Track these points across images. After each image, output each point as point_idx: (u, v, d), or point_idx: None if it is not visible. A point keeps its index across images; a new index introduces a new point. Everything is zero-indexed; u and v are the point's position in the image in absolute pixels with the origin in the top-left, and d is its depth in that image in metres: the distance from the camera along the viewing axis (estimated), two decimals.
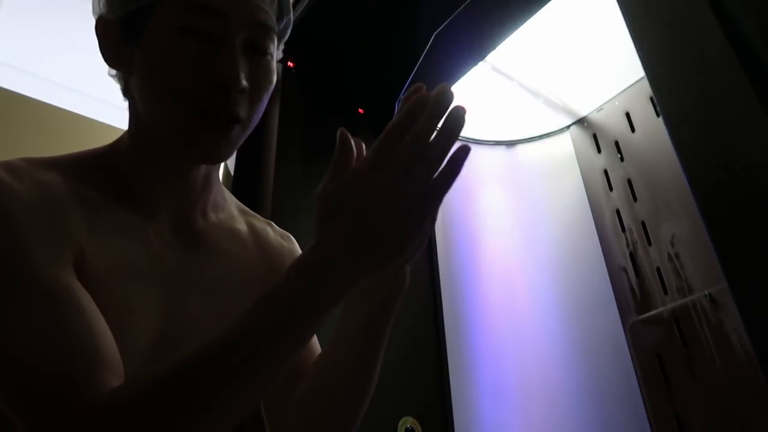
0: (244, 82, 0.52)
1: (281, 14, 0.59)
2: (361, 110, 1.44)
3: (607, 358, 1.33)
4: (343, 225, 0.42)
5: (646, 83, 1.20)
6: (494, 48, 1.38)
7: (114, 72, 0.59)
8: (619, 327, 1.34)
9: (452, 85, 1.48)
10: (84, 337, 0.42)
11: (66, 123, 2.77)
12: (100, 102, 2.87)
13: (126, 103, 0.61)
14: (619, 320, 1.35)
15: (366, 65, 1.37)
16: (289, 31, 0.63)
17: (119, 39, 0.55)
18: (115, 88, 0.64)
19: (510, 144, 1.74)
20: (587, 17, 1.46)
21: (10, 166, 0.49)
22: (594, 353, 1.35)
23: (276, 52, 0.59)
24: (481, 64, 1.47)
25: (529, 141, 1.72)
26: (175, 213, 0.58)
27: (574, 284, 1.46)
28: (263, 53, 0.55)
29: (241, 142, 0.57)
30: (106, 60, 0.57)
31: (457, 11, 1.19)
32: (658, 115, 1.39)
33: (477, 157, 1.72)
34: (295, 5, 1.30)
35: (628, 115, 1.49)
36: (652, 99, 1.42)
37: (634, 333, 1.30)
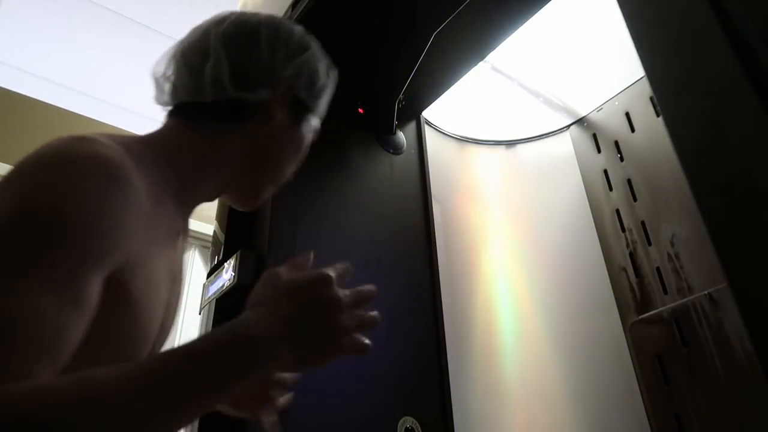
0: None
1: None
2: (361, 110, 1.44)
3: (607, 358, 1.33)
4: (287, 314, 0.48)
5: (646, 83, 1.20)
6: (494, 48, 1.38)
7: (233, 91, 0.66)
8: (619, 327, 1.34)
9: (452, 85, 1.48)
10: (50, 329, 0.41)
11: (66, 123, 2.77)
12: (100, 102, 2.87)
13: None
14: (619, 320, 1.35)
15: (365, 65, 1.37)
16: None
17: (289, 99, 0.68)
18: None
19: (510, 144, 1.74)
20: (587, 17, 1.46)
21: (120, 152, 0.51)
22: (594, 353, 1.35)
23: None
24: (481, 64, 1.47)
25: (529, 141, 1.72)
26: (188, 215, 0.66)
27: (574, 284, 1.46)
28: None
29: None
30: (274, 105, 0.68)
31: (457, 11, 1.19)
32: (658, 115, 1.39)
33: (477, 157, 1.72)
34: (295, 5, 1.30)
35: (628, 115, 1.49)
36: (652, 99, 1.42)
37: (634, 333, 1.30)
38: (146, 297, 0.51)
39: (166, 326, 0.59)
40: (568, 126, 1.67)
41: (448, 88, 1.49)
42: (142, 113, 2.96)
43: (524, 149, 1.72)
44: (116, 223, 0.46)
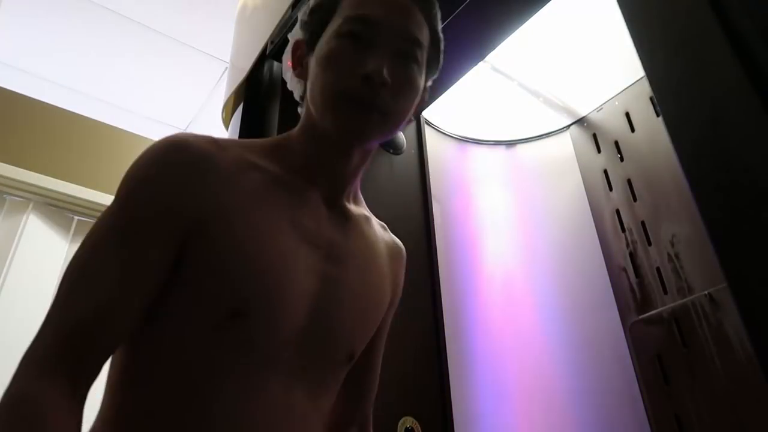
0: (386, 77, 0.62)
1: (433, 41, 0.73)
2: None
3: (607, 358, 1.33)
4: None
5: (646, 83, 1.20)
6: (494, 48, 1.38)
7: (294, 83, 0.75)
8: (619, 327, 1.34)
9: (452, 85, 1.48)
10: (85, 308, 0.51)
11: (66, 123, 2.77)
12: (100, 102, 2.87)
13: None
14: (619, 320, 1.35)
15: None
16: (439, 65, 0.75)
17: (304, 53, 0.71)
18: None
19: (510, 144, 1.74)
20: (587, 17, 1.46)
21: (218, 142, 0.63)
22: (594, 353, 1.35)
23: (424, 70, 0.70)
24: (481, 64, 1.47)
25: (529, 141, 1.72)
26: (331, 191, 0.70)
27: (574, 284, 1.46)
28: (408, 60, 0.67)
29: (383, 135, 0.67)
30: (295, 72, 0.73)
31: (457, 11, 1.19)
32: (658, 115, 1.39)
33: (477, 157, 1.72)
34: (295, 5, 1.30)
35: (627, 115, 1.49)
36: (652, 99, 1.42)
37: (634, 333, 1.30)
38: (248, 240, 0.58)
39: (327, 298, 0.63)
40: (568, 126, 1.67)
41: (448, 88, 1.49)
42: (142, 113, 2.96)
43: (524, 149, 1.72)
44: (167, 189, 0.57)
